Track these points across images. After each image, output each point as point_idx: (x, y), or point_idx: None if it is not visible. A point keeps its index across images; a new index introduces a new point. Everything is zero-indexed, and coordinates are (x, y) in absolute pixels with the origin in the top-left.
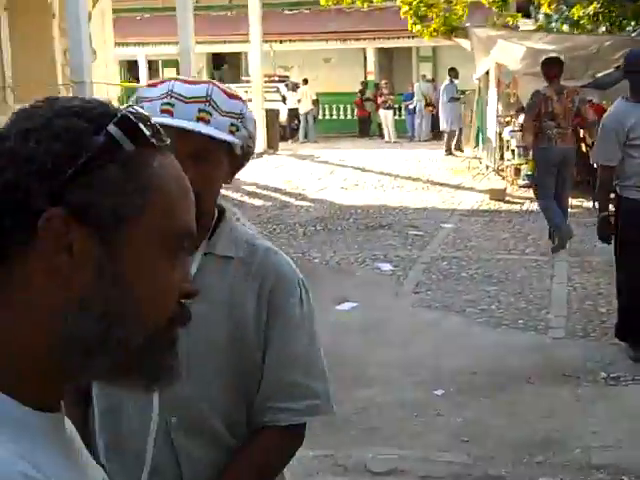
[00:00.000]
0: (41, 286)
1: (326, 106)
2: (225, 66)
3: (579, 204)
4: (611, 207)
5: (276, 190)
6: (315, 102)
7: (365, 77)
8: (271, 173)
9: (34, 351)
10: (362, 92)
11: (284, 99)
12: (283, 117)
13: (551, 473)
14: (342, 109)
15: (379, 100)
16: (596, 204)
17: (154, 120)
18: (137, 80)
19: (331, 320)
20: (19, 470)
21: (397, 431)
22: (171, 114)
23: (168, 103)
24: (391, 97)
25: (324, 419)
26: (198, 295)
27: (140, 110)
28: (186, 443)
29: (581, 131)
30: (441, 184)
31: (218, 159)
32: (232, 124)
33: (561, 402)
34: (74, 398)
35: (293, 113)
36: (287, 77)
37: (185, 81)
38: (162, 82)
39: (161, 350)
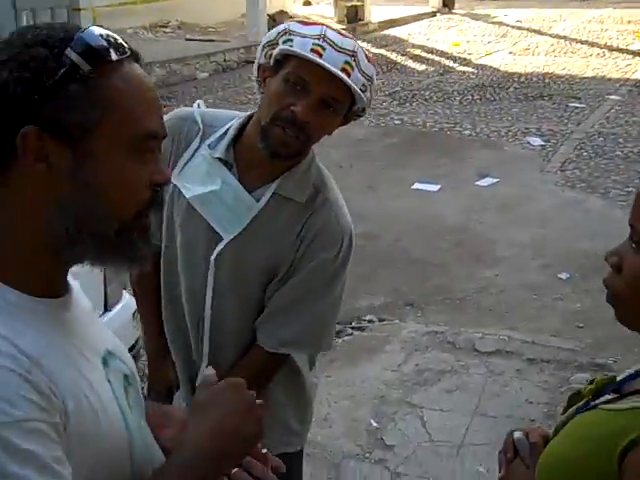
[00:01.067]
0: (29, 191)
1: None
2: None
3: None
4: None
5: (442, 54)
6: None
7: None
8: (440, 35)
9: (31, 243)
10: None
11: None
12: None
13: None
14: None
15: None
16: None
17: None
18: None
19: (468, 194)
20: (2, 351)
21: (512, 313)
22: (320, 55)
23: (320, 45)
24: None
25: (443, 299)
26: (170, 181)
27: (98, 29)
28: (217, 338)
29: None
30: (619, 50)
31: (340, 111)
32: (364, 84)
33: None
34: (154, 285)
35: None
36: None
37: (337, 31)
38: (314, 24)
39: (133, 237)
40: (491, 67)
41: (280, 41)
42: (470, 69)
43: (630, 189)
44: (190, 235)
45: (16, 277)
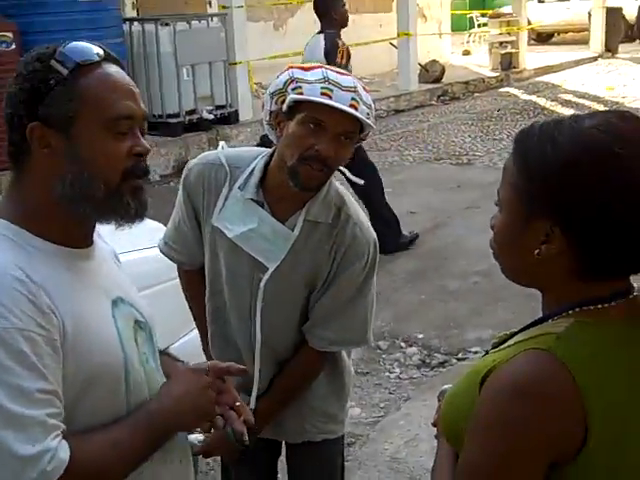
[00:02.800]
0: (40, 169)
1: None
2: None
3: None
4: None
5: (594, 98)
6: None
7: None
8: (597, 79)
9: (47, 204)
10: None
11: None
12: (631, 14)
13: None
14: None
15: None
16: None
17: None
18: None
19: None
20: (12, 274)
21: None
22: (330, 97)
23: (327, 88)
24: None
25: None
26: (149, 152)
27: (76, 43)
28: (263, 359)
29: None
30: None
31: (354, 140)
32: (368, 113)
33: None
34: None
35: None
36: None
37: (335, 70)
38: (313, 67)
39: (124, 197)
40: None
41: (289, 89)
42: None
43: None
44: (234, 267)
45: (41, 230)
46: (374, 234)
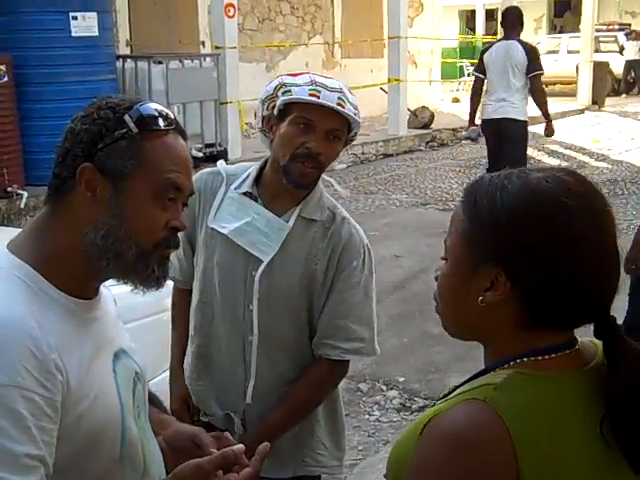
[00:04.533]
0: (77, 211)
1: None
2: (567, 13)
3: None
4: None
5: (579, 150)
6: None
7: None
8: (583, 131)
9: (71, 251)
10: None
11: (622, 49)
12: (618, 69)
13: None
14: None
15: None
16: None
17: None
18: (473, 31)
19: None
20: (25, 329)
21: None
22: (318, 97)
23: (315, 89)
24: None
25: None
26: (185, 229)
27: (154, 104)
28: (259, 363)
29: None
30: None
31: (342, 138)
32: (354, 112)
33: None
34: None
35: (631, 65)
36: (629, 25)
37: (321, 75)
38: (301, 74)
39: (151, 263)
40: (628, 163)
41: (279, 94)
42: (605, 164)
43: None
44: (229, 266)
45: (57, 278)
46: (361, 233)
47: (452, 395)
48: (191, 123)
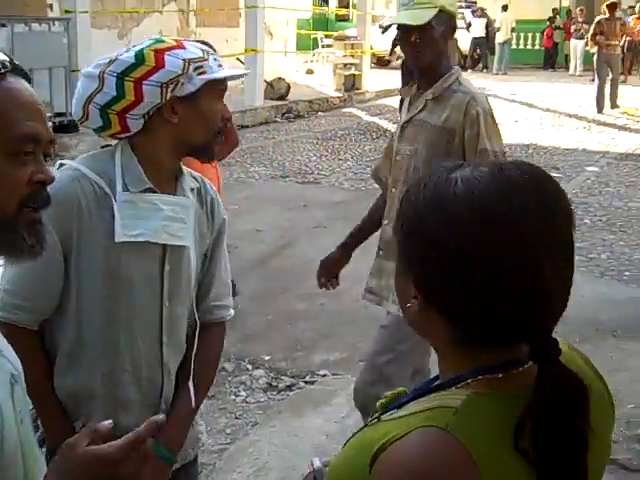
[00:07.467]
0: None
1: (513, 34)
2: None
3: None
4: None
5: None
6: (512, 30)
7: (560, 3)
8: None
9: None
10: (552, 20)
11: (468, 26)
12: (465, 46)
13: None
14: (530, 39)
15: (571, 29)
16: None
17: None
18: (327, 3)
19: None
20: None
21: None
22: (222, 67)
23: (215, 59)
24: (584, 26)
25: None
26: (53, 181)
27: None
28: (168, 356)
29: None
30: (606, 124)
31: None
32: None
33: (637, 358)
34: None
35: (477, 42)
36: (474, 3)
37: (192, 41)
38: (181, 44)
39: (19, 229)
40: None
41: (190, 71)
42: None
43: (593, 255)
44: (143, 272)
45: None
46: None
47: (400, 414)
48: (39, 91)
